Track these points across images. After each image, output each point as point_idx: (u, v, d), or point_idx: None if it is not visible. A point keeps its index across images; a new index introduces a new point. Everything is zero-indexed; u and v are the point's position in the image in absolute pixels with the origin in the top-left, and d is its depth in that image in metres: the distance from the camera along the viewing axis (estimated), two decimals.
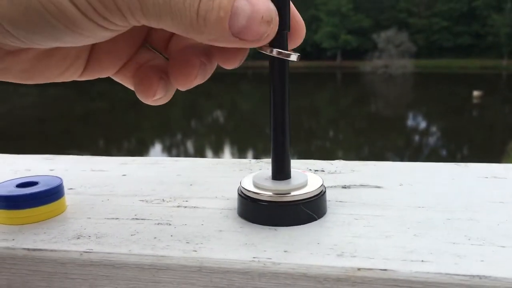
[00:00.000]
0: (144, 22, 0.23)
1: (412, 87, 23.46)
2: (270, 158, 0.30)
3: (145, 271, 0.25)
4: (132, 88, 0.31)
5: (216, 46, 0.26)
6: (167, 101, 0.31)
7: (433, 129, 13.12)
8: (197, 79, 0.28)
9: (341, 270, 0.23)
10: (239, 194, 0.30)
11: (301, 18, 0.29)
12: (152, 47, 0.31)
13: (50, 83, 0.29)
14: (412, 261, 0.23)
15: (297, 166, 0.39)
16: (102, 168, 0.41)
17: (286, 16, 0.27)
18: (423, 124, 13.52)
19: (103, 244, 0.27)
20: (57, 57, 0.28)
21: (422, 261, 0.23)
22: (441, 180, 0.35)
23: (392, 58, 32.30)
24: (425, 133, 12.56)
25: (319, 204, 0.29)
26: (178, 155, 10.03)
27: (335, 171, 0.38)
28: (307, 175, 0.30)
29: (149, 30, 0.30)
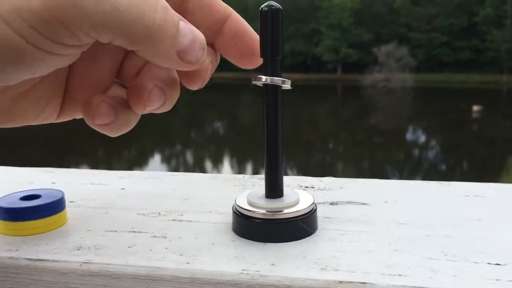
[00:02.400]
0: (94, 34, 0.23)
1: (412, 101, 23.55)
2: (263, 174, 0.32)
3: (140, 282, 0.27)
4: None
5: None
6: (121, 129, 0.30)
7: (433, 143, 13.15)
8: (153, 101, 0.28)
9: (324, 283, 0.25)
10: (234, 212, 0.32)
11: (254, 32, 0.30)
12: (121, 84, 0.31)
13: None
14: (390, 275, 0.25)
15: (288, 182, 0.41)
16: (102, 182, 0.43)
17: (279, 42, 0.29)
18: (422, 138, 13.55)
19: (102, 255, 0.28)
20: (32, 99, 0.28)
21: (399, 275, 0.25)
22: (425, 198, 0.37)
23: (392, 72, 32.44)
24: (425, 147, 12.59)
25: (311, 221, 0.31)
26: (177, 166, 10.03)
27: (324, 187, 0.40)
28: (299, 193, 0.32)
29: (120, 70, 0.30)
